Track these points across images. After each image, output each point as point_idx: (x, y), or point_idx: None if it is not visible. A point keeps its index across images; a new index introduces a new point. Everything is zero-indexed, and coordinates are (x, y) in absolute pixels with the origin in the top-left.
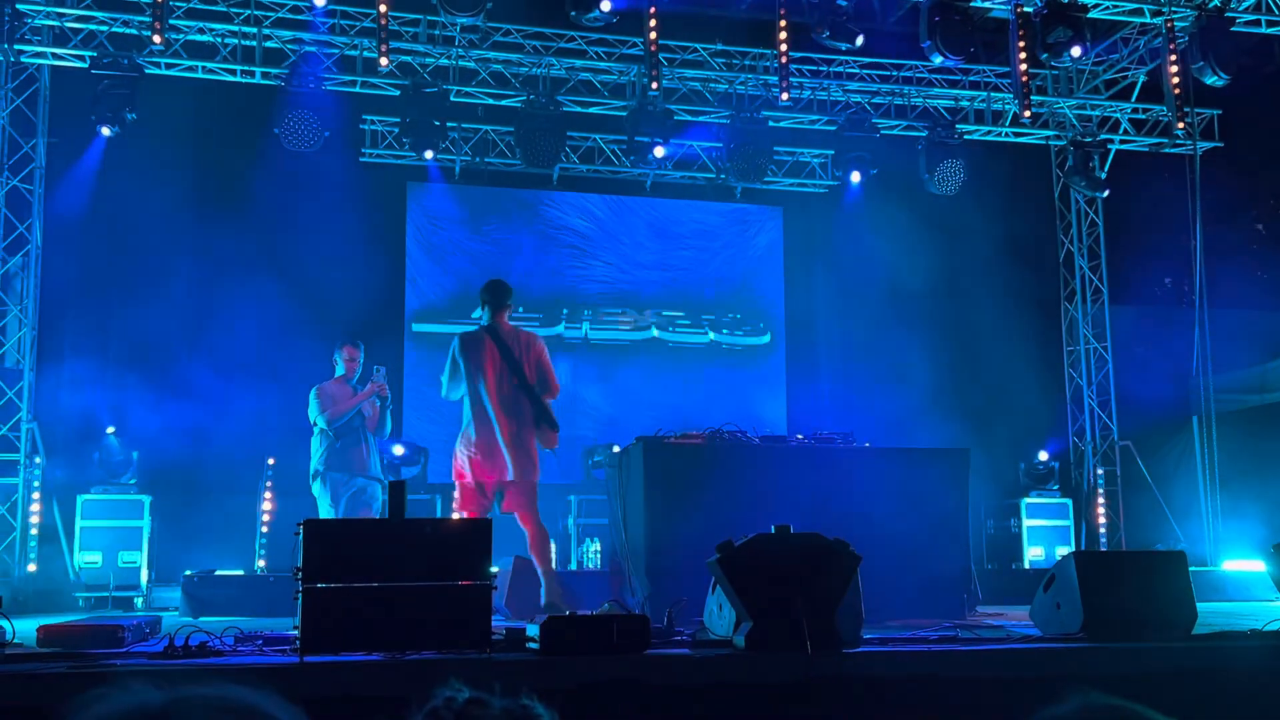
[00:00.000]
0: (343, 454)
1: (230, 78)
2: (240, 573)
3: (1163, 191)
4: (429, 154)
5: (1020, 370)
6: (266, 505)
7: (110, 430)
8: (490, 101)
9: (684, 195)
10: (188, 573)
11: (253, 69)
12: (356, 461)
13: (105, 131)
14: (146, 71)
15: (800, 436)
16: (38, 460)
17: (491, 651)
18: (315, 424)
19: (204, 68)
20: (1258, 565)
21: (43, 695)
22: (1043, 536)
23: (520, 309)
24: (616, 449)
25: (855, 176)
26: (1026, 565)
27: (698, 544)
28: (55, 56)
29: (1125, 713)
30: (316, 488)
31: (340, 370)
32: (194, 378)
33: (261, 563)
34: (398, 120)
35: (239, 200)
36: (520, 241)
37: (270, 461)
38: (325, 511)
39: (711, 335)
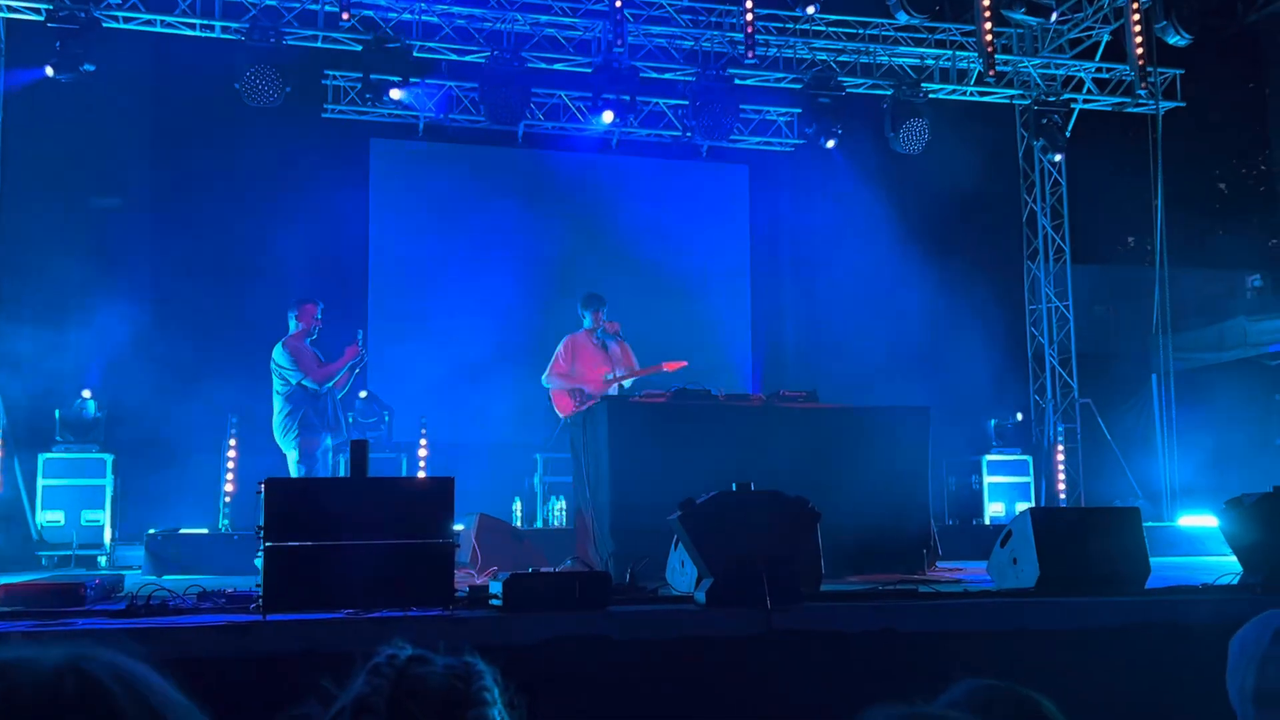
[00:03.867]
0: (322, 413)
1: (189, 31)
2: (205, 531)
3: (1126, 151)
4: (395, 93)
5: (982, 329)
6: (230, 464)
7: (86, 394)
8: (453, 57)
9: (650, 153)
10: (151, 531)
11: (212, 23)
12: (332, 420)
13: (49, 71)
14: (104, 25)
15: (763, 395)
16: None
17: (454, 608)
18: (299, 383)
19: (162, 21)
20: (1213, 520)
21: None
22: (1003, 493)
23: (485, 266)
24: None
25: (830, 143)
26: (987, 521)
27: (662, 501)
28: (10, 9)
29: (1016, 696)
30: (294, 446)
31: (297, 327)
32: (155, 335)
33: (226, 520)
34: (360, 76)
35: (200, 156)
36: (484, 198)
37: (233, 419)
38: (299, 470)
39: (677, 292)
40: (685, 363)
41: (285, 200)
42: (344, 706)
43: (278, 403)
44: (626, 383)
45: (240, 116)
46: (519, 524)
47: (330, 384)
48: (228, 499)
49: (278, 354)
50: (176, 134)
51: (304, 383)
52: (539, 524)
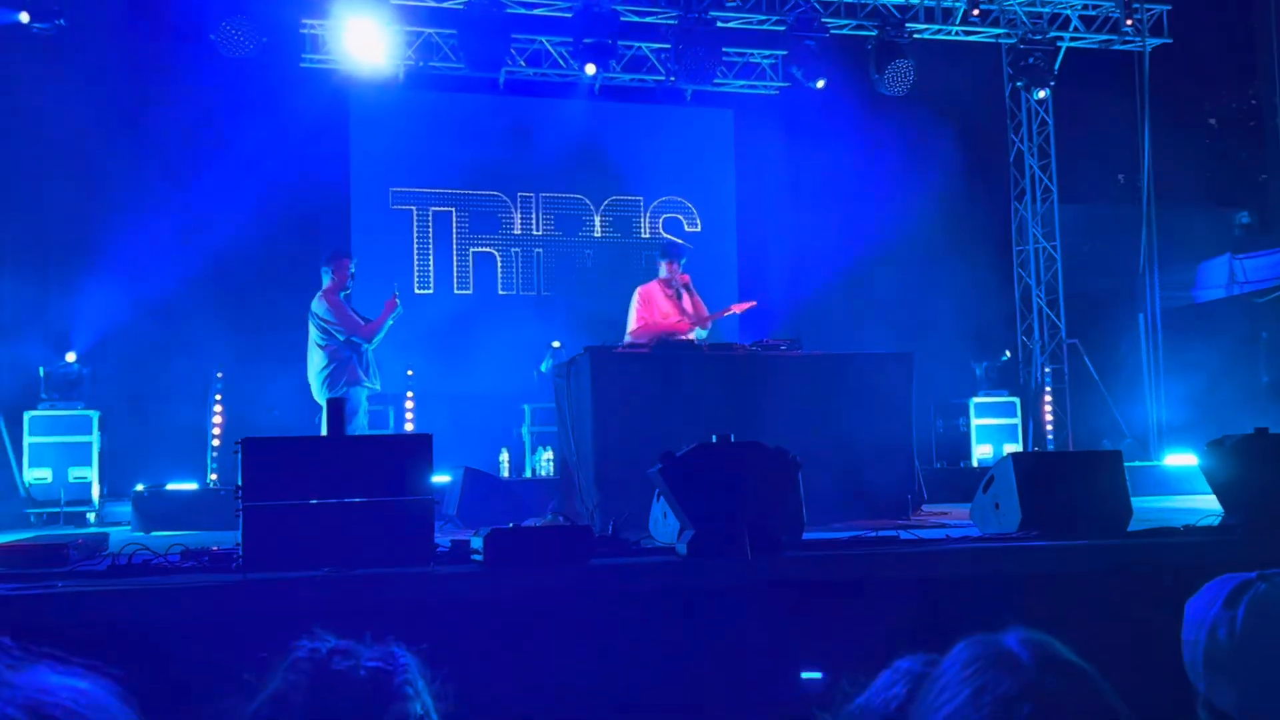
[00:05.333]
0: (368, 369)
1: None
2: (193, 486)
3: (1113, 89)
4: (358, 41)
5: (970, 271)
6: (216, 419)
7: (70, 357)
8: (432, 4)
9: (634, 99)
10: (138, 488)
11: None
12: (371, 373)
13: (23, 18)
14: None
15: (747, 344)
16: None
17: (435, 564)
18: (347, 339)
19: None
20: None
21: None
22: (991, 435)
23: (469, 215)
24: (556, 344)
25: (820, 83)
26: (975, 463)
27: (646, 452)
28: None
29: (1052, 652)
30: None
31: (331, 281)
32: (137, 290)
33: (214, 476)
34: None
35: (179, 110)
36: (467, 147)
37: (219, 375)
38: (350, 425)
39: (664, 238)
40: (754, 302)
41: (265, 151)
42: (262, 703)
43: (318, 356)
44: (702, 333)
45: (217, 68)
46: (507, 474)
47: (380, 338)
48: (215, 454)
49: (317, 306)
50: (152, 87)
51: (353, 339)
52: (527, 474)
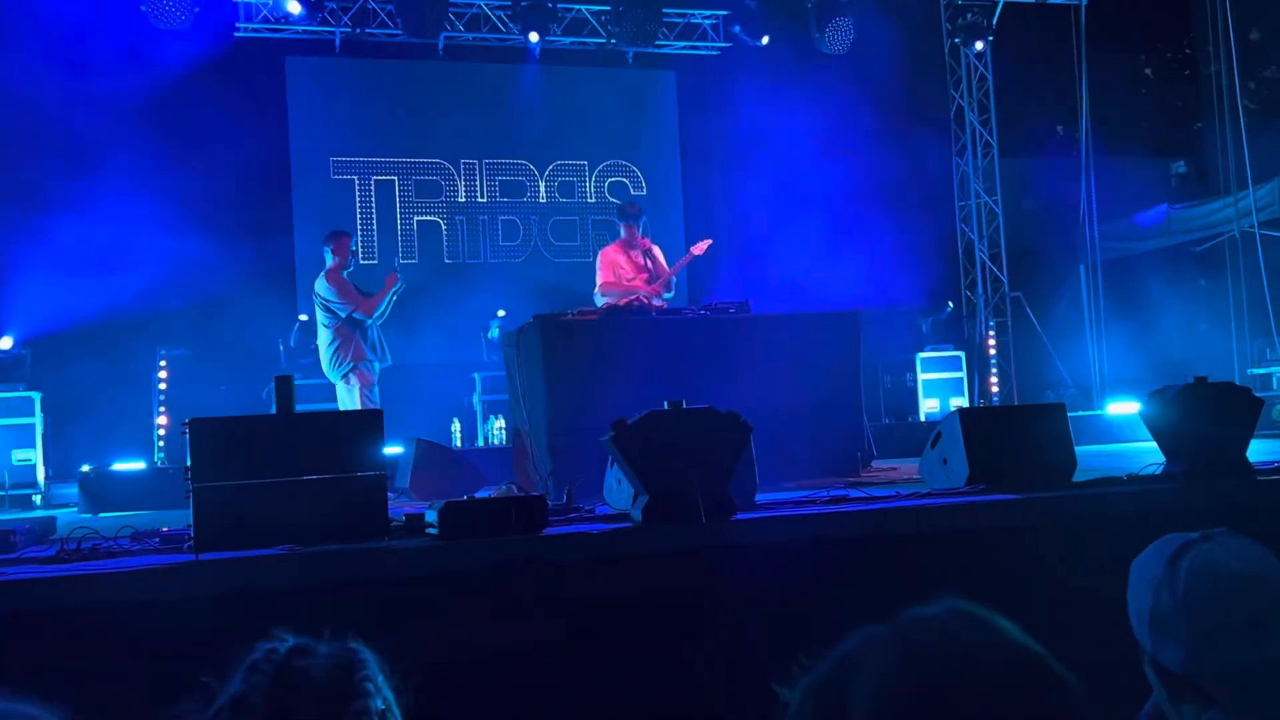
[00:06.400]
0: (376, 344)
1: None
2: (141, 466)
3: (1051, 42)
4: (294, 6)
5: (914, 227)
6: (162, 397)
7: (7, 343)
8: None
9: (575, 62)
10: (84, 469)
11: None
12: (379, 349)
13: None
14: None
15: (696, 308)
16: None
17: (390, 539)
18: (350, 315)
19: None
20: (1139, 408)
21: None
22: (937, 389)
23: (412, 183)
24: (502, 313)
25: (765, 39)
26: (923, 418)
27: (598, 419)
28: None
29: (984, 622)
30: (349, 378)
31: (333, 260)
32: (76, 270)
33: (161, 455)
34: None
35: (112, 83)
36: (407, 115)
37: (162, 351)
38: (360, 401)
39: (609, 204)
40: (709, 240)
41: (202, 124)
42: (222, 706)
43: (326, 335)
44: (669, 295)
45: (149, 39)
46: (459, 444)
47: (378, 314)
48: (161, 433)
49: (320, 287)
50: (85, 61)
51: (354, 315)
52: (479, 443)
